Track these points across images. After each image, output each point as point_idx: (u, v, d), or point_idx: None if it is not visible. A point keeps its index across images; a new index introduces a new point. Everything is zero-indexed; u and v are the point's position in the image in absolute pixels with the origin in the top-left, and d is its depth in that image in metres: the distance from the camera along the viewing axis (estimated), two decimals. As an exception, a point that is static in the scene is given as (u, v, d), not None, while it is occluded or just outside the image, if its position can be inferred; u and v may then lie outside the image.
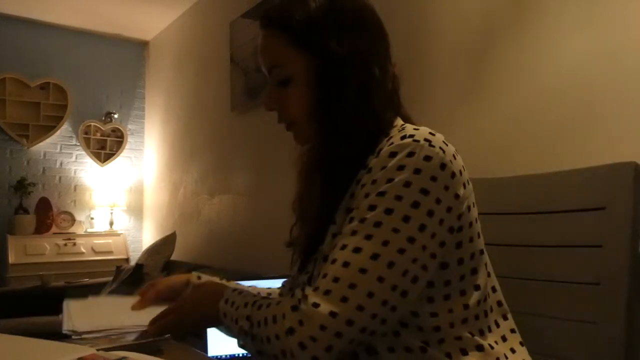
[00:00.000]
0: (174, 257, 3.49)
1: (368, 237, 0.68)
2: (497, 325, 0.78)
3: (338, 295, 0.66)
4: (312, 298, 0.67)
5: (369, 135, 0.78)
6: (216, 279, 1.02)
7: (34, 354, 0.77)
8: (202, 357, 0.94)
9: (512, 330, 0.80)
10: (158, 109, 4.55)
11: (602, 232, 0.84)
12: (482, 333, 0.75)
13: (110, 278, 3.44)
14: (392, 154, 0.71)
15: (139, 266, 3.34)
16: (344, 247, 0.69)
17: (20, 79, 4.16)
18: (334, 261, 0.69)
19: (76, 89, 4.38)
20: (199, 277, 1.01)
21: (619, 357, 0.78)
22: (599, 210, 0.85)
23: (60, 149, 4.37)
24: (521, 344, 0.79)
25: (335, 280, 0.67)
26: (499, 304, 0.80)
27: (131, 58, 4.74)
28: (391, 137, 0.76)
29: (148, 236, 4.56)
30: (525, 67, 1.66)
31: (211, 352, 1.86)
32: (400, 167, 0.70)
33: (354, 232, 0.69)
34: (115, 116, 4.57)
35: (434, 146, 0.71)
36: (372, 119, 0.79)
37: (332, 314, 0.65)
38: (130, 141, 4.66)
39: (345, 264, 0.68)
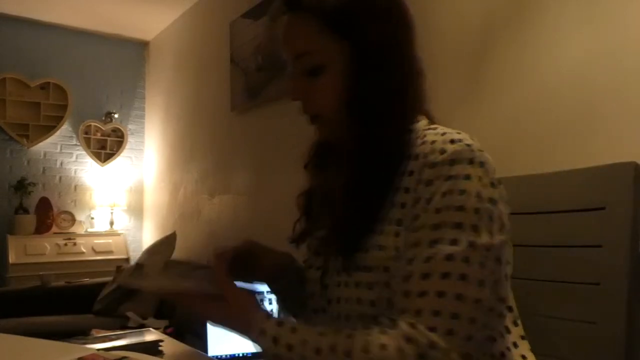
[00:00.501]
0: (174, 257, 3.49)
1: (465, 259, 0.65)
2: (509, 332, 0.77)
3: (443, 330, 0.63)
4: (425, 336, 0.63)
5: (402, 131, 0.76)
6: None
7: (34, 354, 0.77)
8: (202, 357, 0.94)
9: (522, 337, 0.79)
10: (158, 109, 4.55)
11: (602, 232, 0.84)
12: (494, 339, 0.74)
13: (110, 278, 3.44)
14: (452, 162, 0.69)
15: (139, 266, 3.34)
16: (446, 275, 0.64)
17: (20, 79, 4.16)
18: (423, 294, 0.65)
19: (76, 89, 4.38)
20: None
21: (619, 357, 0.78)
22: (599, 210, 0.85)
23: (61, 149, 4.37)
24: (530, 350, 0.78)
25: (436, 314, 0.64)
26: (510, 309, 0.79)
27: (131, 58, 4.74)
28: (424, 137, 0.74)
29: (148, 236, 4.56)
30: (525, 67, 1.66)
31: (211, 352, 1.86)
32: (467, 177, 0.68)
33: (449, 257, 0.65)
34: (116, 116, 4.57)
35: (482, 151, 0.71)
36: (405, 113, 0.77)
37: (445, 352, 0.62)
38: (130, 141, 4.66)
39: (441, 294, 0.64)
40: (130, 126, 4.70)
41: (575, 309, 0.86)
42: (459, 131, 0.73)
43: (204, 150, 3.75)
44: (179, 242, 3.53)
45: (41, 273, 3.45)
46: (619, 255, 0.81)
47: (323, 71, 0.76)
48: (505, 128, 1.69)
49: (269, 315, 0.72)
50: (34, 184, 4.14)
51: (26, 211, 4.05)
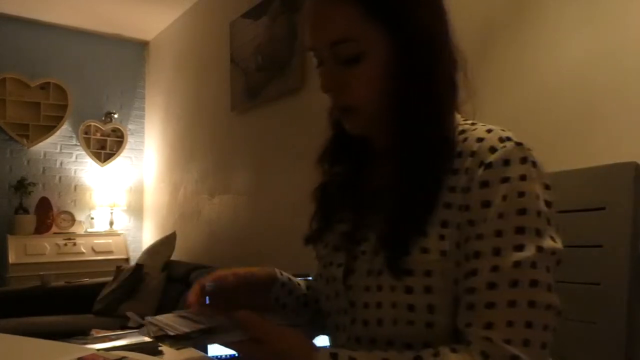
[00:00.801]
0: (174, 257, 3.49)
1: (533, 265, 0.62)
2: None
3: (519, 340, 0.61)
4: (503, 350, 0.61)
5: (448, 126, 0.72)
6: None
7: (34, 354, 0.77)
8: (202, 357, 0.94)
9: None
10: (158, 109, 4.55)
11: (602, 232, 0.84)
12: None
13: (111, 278, 3.44)
14: (505, 162, 0.65)
15: (139, 266, 3.34)
16: (515, 283, 0.61)
17: (20, 79, 4.16)
18: (492, 305, 0.62)
19: (76, 89, 4.38)
20: (280, 274, 0.91)
21: (619, 357, 0.78)
22: (599, 210, 0.85)
23: (60, 149, 4.37)
24: None
25: (510, 324, 0.61)
26: None
27: (131, 58, 4.74)
28: (464, 133, 0.70)
29: (148, 236, 4.56)
30: (525, 67, 1.66)
31: (211, 352, 1.86)
32: (523, 177, 0.65)
33: (516, 264, 0.62)
34: (115, 116, 4.57)
35: (531, 149, 0.68)
36: (450, 106, 0.73)
37: None
38: (130, 141, 4.66)
39: (512, 304, 0.62)
40: (130, 126, 4.69)
41: (575, 309, 0.86)
42: (502, 127, 0.70)
43: (204, 150, 3.75)
44: (179, 242, 3.53)
45: (41, 273, 3.45)
46: (619, 255, 0.81)
47: (362, 59, 0.70)
48: (505, 128, 1.68)
49: (317, 348, 0.66)
50: (34, 184, 4.14)
51: (26, 211, 4.06)
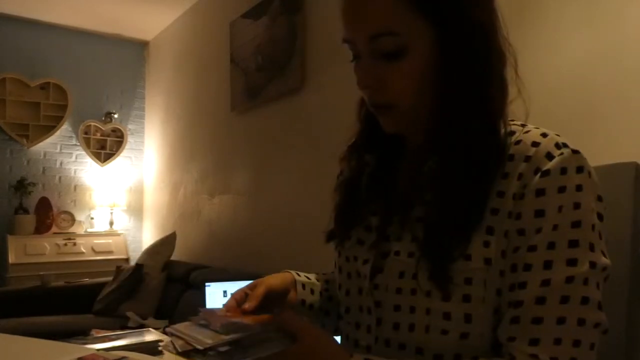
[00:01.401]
0: (174, 257, 3.50)
1: (585, 281, 0.59)
2: None
3: (566, 359, 0.58)
4: None
5: (496, 127, 0.68)
6: (314, 282, 0.89)
7: (34, 354, 0.77)
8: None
9: None
10: (158, 109, 4.55)
11: (602, 232, 0.84)
12: None
13: (110, 278, 3.44)
14: (563, 170, 0.62)
15: (139, 266, 3.35)
16: (566, 299, 0.59)
17: (20, 79, 4.16)
18: (539, 320, 0.60)
19: (76, 89, 4.38)
20: (297, 274, 0.87)
21: (619, 357, 0.78)
22: (599, 210, 0.85)
23: (60, 149, 4.37)
24: None
25: (558, 342, 0.59)
26: None
27: (131, 58, 4.74)
28: (515, 135, 0.67)
29: (148, 236, 4.56)
30: (525, 67, 1.66)
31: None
32: (579, 187, 0.62)
33: (569, 280, 0.59)
34: (115, 116, 4.57)
35: (585, 158, 0.65)
36: (499, 105, 0.69)
37: None
38: (130, 141, 4.66)
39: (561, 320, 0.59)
40: (130, 126, 4.70)
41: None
42: (556, 132, 0.67)
43: (204, 150, 3.75)
44: (179, 242, 3.53)
45: (41, 273, 3.45)
46: (619, 255, 0.81)
47: (404, 54, 0.65)
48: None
49: (350, 354, 0.64)
50: (34, 184, 4.14)
51: (26, 211, 4.06)
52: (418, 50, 0.65)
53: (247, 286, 0.80)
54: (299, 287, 0.86)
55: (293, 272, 0.88)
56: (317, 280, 0.91)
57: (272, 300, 0.79)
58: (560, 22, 1.58)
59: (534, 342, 0.59)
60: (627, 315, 0.78)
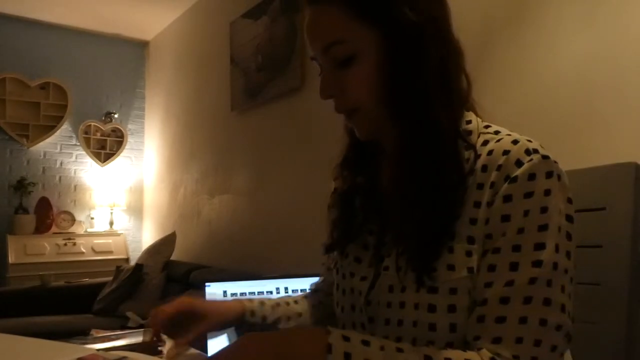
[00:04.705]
0: (173, 257, 3.49)
1: (548, 282, 0.61)
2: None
3: (527, 358, 0.60)
4: None
5: (453, 122, 0.70)
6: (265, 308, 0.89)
7: (34, 354, 0.76)
8: (202, 357, 0.94)
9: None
10: (158, 109, 4.55)
11: (602, 232, 0.84)
12: None
13: (110, 278, 3.44)
14: (531, 176, 0.64)
15: (139, 266, 3.35)
16: (529, 300, 0.60)
17: (20, 79, 4.16)
18: (502, 319, 0.61)
19: (76, 89, 4.38)
20: (250, 301, 0.89)
21: (619, 357, 0.78)
22: (599, 211, 0.85)
23: (60, 149, 4.37)
24: None
25: (519, 340, 0.60)
26: None
27: (131, 58, 4.74)
28: (486, 144, 0.69)
29: (148, 236, 4.56)
30: (524, 68, 1.66)
31: (211, 352, 1.86)
32: (547, 192, 0.63)
33: (532, 281, 0.61)
34: (115, 116, 4.57)
35: (556, 162, 0.66)
36: (452, 99, 0.70)
37: None
38: (130, 141, 4.66)
39: (540, 321, 0.61)
40: (130, 126, 4.70)
41: (576, 309, 0.86)
42: (528, 138, 0.68)
43: (204, 150, 3.75)
44: (179, 242, 3.53)
45: (41, 273, 3.45)
46: (619, 255, 0.81)
47: (355, 61, 0.69)
48: (504, 128, 1.69)
49: (328, 330, 0.62)
50: (34, 184, 4.14)
51: (26, 211, 4.06)
52: (367, 56, 0.69)
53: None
54: (252, 309, 0.87)
55: (244, 303, 0.89)
56: (295, 302, 0.93)
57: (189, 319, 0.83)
58: (560, 22, 1.58)
59: (497, 340, 0.61)
60: (627, 315, 0.78)
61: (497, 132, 0.71)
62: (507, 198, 0.64)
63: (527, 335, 0.60)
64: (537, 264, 0.61)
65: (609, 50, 1.46)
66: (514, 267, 0.62)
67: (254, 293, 2.04)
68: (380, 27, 0.68)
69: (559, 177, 0.65)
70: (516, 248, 0.62)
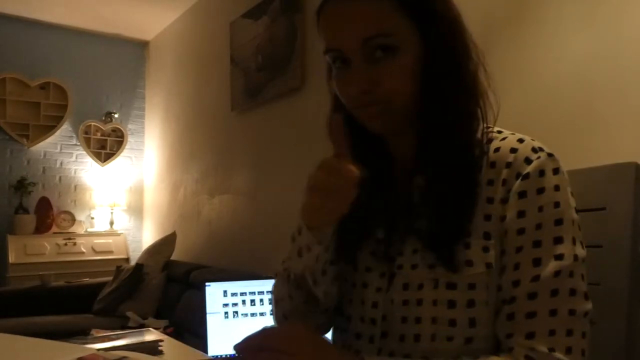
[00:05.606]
0: (174, 257, 3.50)
1: (571, 274, 0.64)
2: None
3: (562, 348, 0.62)
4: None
5: (477, 128, 0.71)
6: None
7: (34, 354, 0.77)
8: (202, 357, 0.94)
9: None
10: (158, 109, 4.55)
11: (602, 232, 0.84)
12: None
13: (111, 278, 3.45)
14: (541, 173, 0.67)
15: (139, 266, 3.35)
16: (556, 292, 0.63)
17: (20, 79, 4.16)
18: (532, 314, 0.63)
19: (76, 89, 4.38)
20: None
21: (619, 357, 0.78)
22: (599, 211, 0.85)
23: (61, 149, 4.37)
24: None
25: (552, 333, 0.63)
26: None
27: (131, 58, 4.74)
28: (493, 142, 0.71)
29: (148, 236, 4.56)
30: (524, 68, 1.66)
31: (211, 352, 1.86)
32: (557, 187, 0.66)
33: (556, 274, 0.63)
34: (116, 116, 4.58)
35: (559, 159, 0.69)
36: (479, 105, 0.72)
37: None
38: (130, 141, 4.66)
39: (569, 312, 0.64)
40: (130, 126, 4.70)
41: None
42: (532, 137, 0.71)
43: (204, 150, 3.75)
44: (179, 242, 3.54)
45: (41, 273, 3.45)
46: (619, 255, 0.81)
47: (396, 54, 0.68)
48: (504, 128, 1.69)
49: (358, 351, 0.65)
50: (34, 184, 4.14)
51: (26, 211, 4.06)
52: (407, 50, 0.69)
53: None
54: None
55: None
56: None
57: None
58: (560, 22, 1.58)
59: (530, 335, 0.63)
60: (627, 315, 0.78)
61: (499, 132, 0.74)
62: (522, 194, 0.66)
63: (559, 327, 0.62)
64: (559, 257, 0.64)
65: (609, 50, 1.46)
66: (537, 262, 0.64)
67: (254, 293, 2.04)
68: (421, 21, 0.69)
69: (563, 172, 0.68)
70: (537, 244, 0.65)
